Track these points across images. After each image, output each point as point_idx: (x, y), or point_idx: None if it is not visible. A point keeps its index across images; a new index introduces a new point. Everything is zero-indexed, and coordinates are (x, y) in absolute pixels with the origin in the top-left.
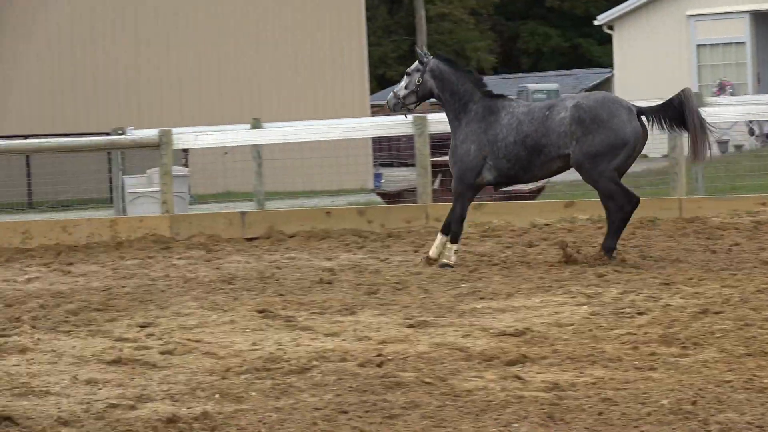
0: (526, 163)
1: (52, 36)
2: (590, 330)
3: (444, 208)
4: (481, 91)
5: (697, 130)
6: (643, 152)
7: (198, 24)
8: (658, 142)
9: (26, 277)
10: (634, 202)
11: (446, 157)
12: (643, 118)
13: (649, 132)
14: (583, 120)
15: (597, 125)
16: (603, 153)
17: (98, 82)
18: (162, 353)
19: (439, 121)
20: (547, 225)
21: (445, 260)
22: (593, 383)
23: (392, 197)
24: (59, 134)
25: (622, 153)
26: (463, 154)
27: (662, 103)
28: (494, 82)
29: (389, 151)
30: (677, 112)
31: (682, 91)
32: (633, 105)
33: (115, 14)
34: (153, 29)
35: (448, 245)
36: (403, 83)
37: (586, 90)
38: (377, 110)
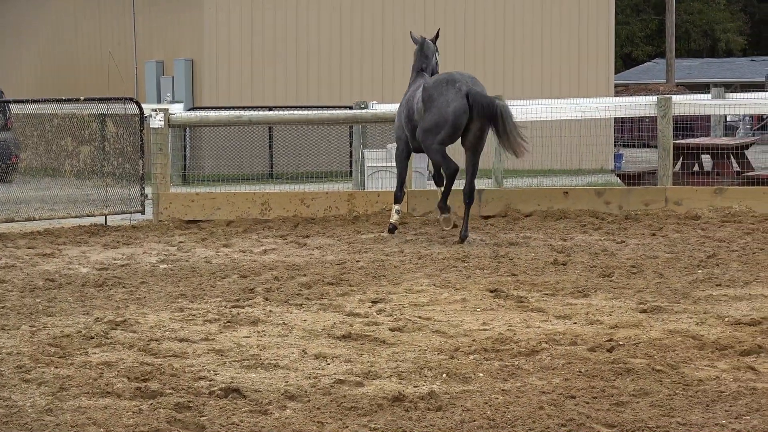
0: (413, 136)
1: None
2: None
3: (684, 192)
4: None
5: (500, 129)
6: None
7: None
8: None
9: (263, 248)
10: (452, 169)
11: (690, 140)
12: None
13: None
14: (425, 100)
15: (430, 104)
16: (430, 129)
17: (344, 54)
18: (392, 330)
19: (683, 103)
20: None
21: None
22: None
23: (632, 179)
24: (301, 106)
25: (444, 129)
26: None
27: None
28: (743, 65)
29: (631, 132)
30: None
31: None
32: (469, 86)
33: None
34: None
35: (395, 207)
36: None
37: None
38: (621, 90)
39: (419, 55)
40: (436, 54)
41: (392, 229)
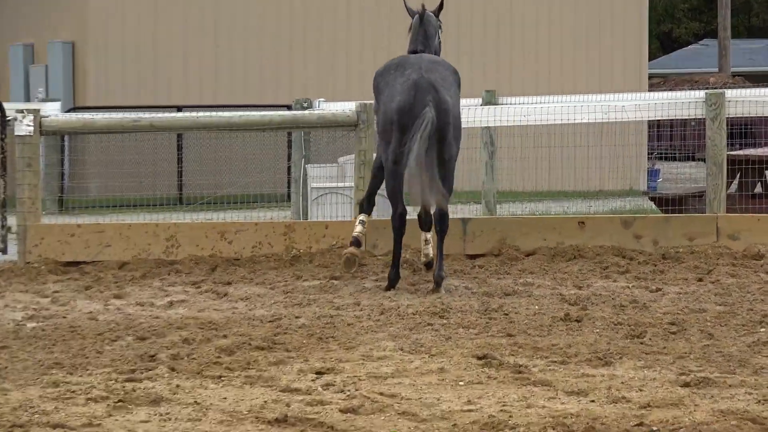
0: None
1: None
2: None
3: (742, 222)
4: None
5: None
6: None
7: None
8: None
9: (168, 299)
10: (396, 212)
11: (750, 151)
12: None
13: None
14: (374, 94)
15: (376, 99)
16: (379, 132)
17: (280, 36)
18: (343, 411)
19: (742, 100)
20: None
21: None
22: None
23: (671, 204)
24: (221, 106)
25: (394, 136)
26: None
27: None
28: None
29: (670, 141)
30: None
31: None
32: (421, 72)
33: None
34: None
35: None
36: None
37: None
38: (658, 82)
39: (417, 32)
40: (440, 32)
41: (356, 242)
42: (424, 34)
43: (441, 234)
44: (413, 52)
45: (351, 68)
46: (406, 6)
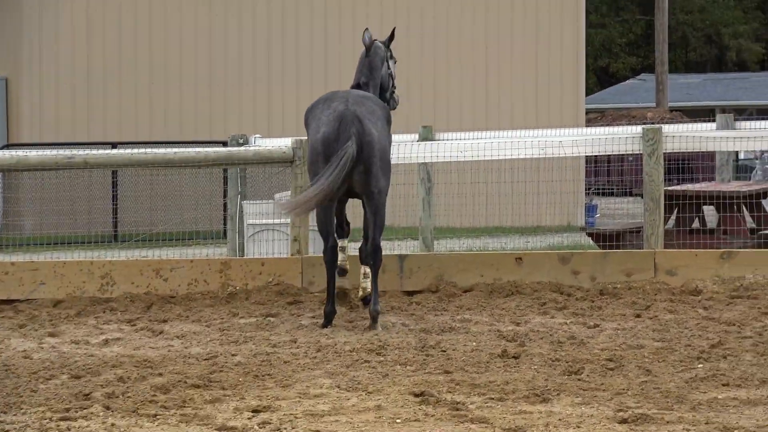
0: None
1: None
2: None
3: (680, 258)
4: None
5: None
6: None
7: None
8: None
9: (103, 337)
10: (327, 246)
11: (688, 186)
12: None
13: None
14: (305, 128)
15: (306, 133)
16: (309, 167)
17: (215, 72)
18: None
19: (679, 135)
20: None
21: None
22: None
23: (609, 239)
24: (156, 143)
25: (320, 165)
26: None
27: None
28: (760, 83)
29: (608, 176)
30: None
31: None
32: (348, 105)
33: None
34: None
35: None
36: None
37: None
38: (595, 117)
39: (362, 64)
40: (389, 62)
41: (342, 272)
42: (369, 66)
43: (374, 268)
44: (356, 84)
45: (287, 104)
46: (363, 38)
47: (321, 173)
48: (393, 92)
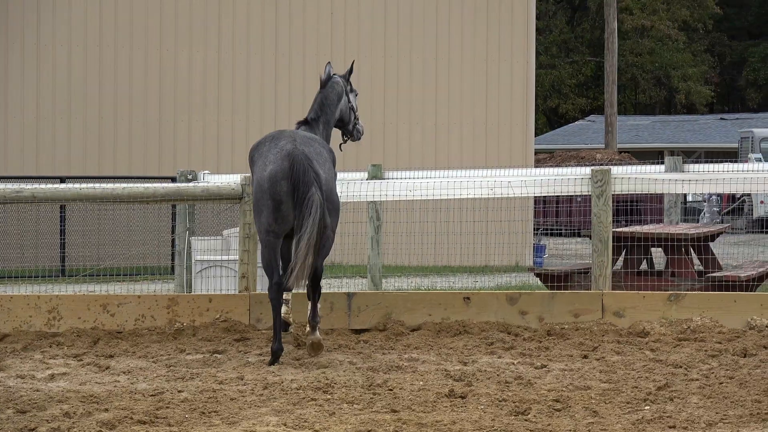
0: None
1: (81, 33)
2: None
3: (627, 299)
4: None
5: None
6: None
7: (296, 31)
8: None
9: (49, 372)
10: (272, 283)
11: (636, 228)
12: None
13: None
14: (250, 166)
15: (251, 170)
16: (254, 204)
17: (158, 106)
18: None
19: (628, 177)
20: None
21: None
22: None
23: (557, 280)
24: (105, 177)
25: (265, 206)
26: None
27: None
28: (709, 125)
29: (556, 217)
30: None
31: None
32: (296, 144)
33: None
34: (231, 33)
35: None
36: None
37: None
38: (545, 158)
39: (315, 99)
40: (350, 96)
41: (284, 326)
42: (321, 101)
43: (314, 291)
44: (304, 120)
45: (236, 140)
46: (323, 72)
47: (297, 235)
48: (356, 124)
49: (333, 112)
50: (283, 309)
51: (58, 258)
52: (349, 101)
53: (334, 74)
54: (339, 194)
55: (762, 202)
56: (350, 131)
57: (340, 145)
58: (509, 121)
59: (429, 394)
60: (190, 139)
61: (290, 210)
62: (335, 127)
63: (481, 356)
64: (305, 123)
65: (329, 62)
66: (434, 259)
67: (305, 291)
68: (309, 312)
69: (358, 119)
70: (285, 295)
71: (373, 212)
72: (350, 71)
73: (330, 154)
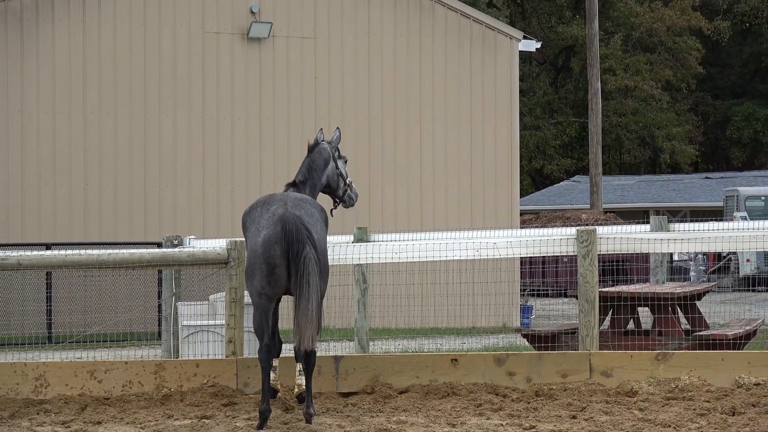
0: None
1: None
2: None
3: (615, 359)
4: None
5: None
6: None
7: (280, 96)
8: None
9: None
10: (261, 345)
11: (622, 288)
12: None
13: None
14: (243, 231)
15: (244, 236)
16: (246, 272)
17: (143, 172)
18: None
19: (613, 237)
20: (758, 385)
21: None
22: None
23: (544, 341)
24: (91, 243)
25: (258, 270)
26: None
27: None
28: (694, 185)
29: (543, 277)
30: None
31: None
32: (287, 208)
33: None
34: (215, 99)
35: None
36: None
37: None
38: (530, 218)
39: (302, 163)
40: (338, 162)
41: (273, 394)
42: (309, 165)
43: (308, 371)
44: (291, 182)
45: (221, 205)
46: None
47: (297, 294)
48: (347, 190)
49: (319, 177)
50: (272, 376)
51: (45, 325)
52: (337, 167)
53: (323, 140)
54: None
55: (748, 260)
56: (340, 197)
57: (331, 210)
58: (494, 182)
59: None
60: (176, 205)
61: (284, 273)
62: (324, 192)
63: (470, 417)
64: (293, 185)
65: (321, 129)
66: (421, 321)
67: (293, 354)
68: (306, 399)
69: (350, 185)
70: (273, 362)
71: (359, 275)
72: (338, 138)
73: (321, 213)
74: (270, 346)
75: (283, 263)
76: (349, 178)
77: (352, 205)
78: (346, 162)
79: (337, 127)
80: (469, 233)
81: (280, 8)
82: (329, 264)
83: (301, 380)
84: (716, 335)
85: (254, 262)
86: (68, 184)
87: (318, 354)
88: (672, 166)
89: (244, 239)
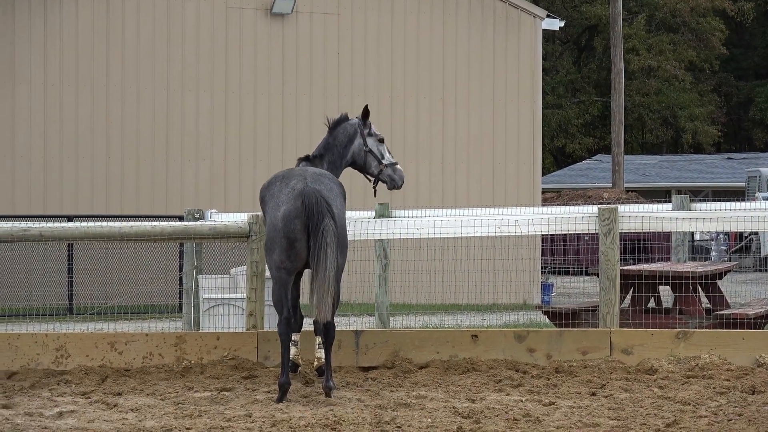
0: None
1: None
2: None
3: (635, 337)
4: None
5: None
6: None
7: (304, 71)
8: None
9: (57, 410)
10: (281, 318)
11: (643, 266)
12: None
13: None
14: (261, 205)
15: (263, 211)
16: (266, 246)
17: (165, 146)
18: None
19: (635, 215)
20: None
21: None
22: None
23: (565, 318)
24: (112, 216)
25: (277, 244)
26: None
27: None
28: (716, 165)
29: (564, 255)
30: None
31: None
32: (307, 182)
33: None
34: (238, 75)
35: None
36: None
37: None
38: (552, 196)
39: (324, 139)
40: (368, 139)
41: (294, 368)
42: (326, 141)
43: (327, 344)
44: (305, 156)
45: (243, 179)
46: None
47: (315, 265)
48: (382, 170)
49: (341, 153)
50: (293, 351)
51: (66, 296)
52: (366, 145)
53: (355, 117)
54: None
55: None
56: (375, 175)
57: (374, 190)
58: (516, 160)
59: None
60: (198, 179)
61: (304, 248)
62: (354, 169)
63: (489, 393)
64: (306, 159)
65: (367, 105)
66: (442, 297)
67: (313, 329)
68: (325, 372)
69: (391, 166)
70: (294, 336)
71: (380, 251)
72: (364, 115)
73: (340, 188)
74: (289, 320)
75: (303, 237)
76: (392, 159)
77: (396, 188)
78: (381, 141)
79: (366, 105)
80: (490, 210)
81: None
82: (349, 239)
83: (321, 354)
84: (737, 314)
85: (274, 236)
86: (91, 158)
87: (339, 328)
88: (694, 146)
89: (263, 214)
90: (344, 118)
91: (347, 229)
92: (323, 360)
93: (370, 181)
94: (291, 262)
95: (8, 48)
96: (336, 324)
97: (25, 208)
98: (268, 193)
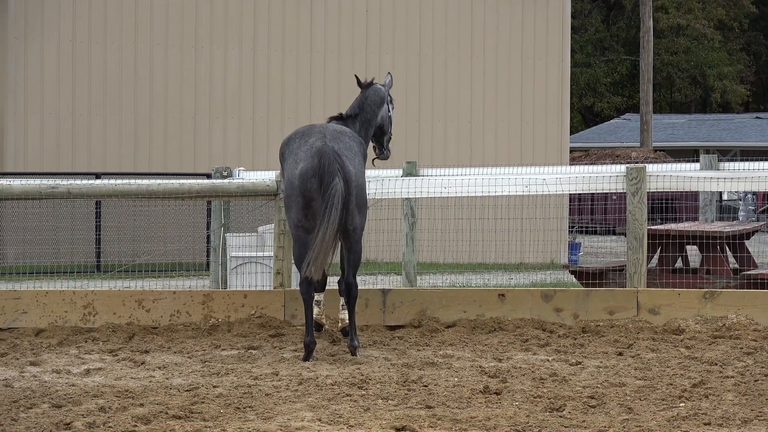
0: None
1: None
2: None
3: (663, 297)
4: None
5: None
6: None
7: (331, 29)
8: None
9: (84, 367)
10: (301, 278)
11: (671, 226)
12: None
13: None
14: (281, 162)
15: (281, 167)
16: (285, 200)
17: (193, 104)
18: None
19: (663, 175)
20: None
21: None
22: None
23: (592, 277)
24: (140, 174)
25: (295, 203)
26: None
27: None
28: (745, 124)
29: (591, 214)
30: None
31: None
32: (325, 140)
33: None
34: (266, 32)
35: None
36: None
37: None
38: (580, 155)
39: (358, 98)
40: (386, 106)
41: (318, 327)
42: (361, 101)
43: (350, 305)
44: (338, 115)
45: (271, 137)
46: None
47: (318, 223)
48: (390, 138)
49: (375, 113)
50: (316, 310)
51: (94, 254)
52: (389, 110)
53: (376, 83)
54: (373, 191)
55: None
56: (384, 145)
57: (373, 160)
58: (544, 119)
59: (464, 391)
60: (226, 137)
61: (320, 206)
62: (373, 135)
63: (516, 353)
64: (339, 118)
65: (389, 73)
66: (469, 256)
67: (337, 287)
68: (350, 332)
69: (391, 135)
70: (318, 296)
71: (407, 209)
72: (390, 82)
73: (360, 146)
74: (310, 279)
75: (319, 197)
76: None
77: (386, 158)
78: (393, 108)
79: (389, 72)
80: (518, 169)
81: None
82: (377, 197)
83: (344, 315)
84: (764, 275)
85: (291, 194)
86: (119, 115)
87: (366, 287)
88: (723, 106)
89: (280, 170)
90: (371, 82)
91: (372, 188)
92: (347, 321)
93: (374, 149)
94: (308, 221)
95: (37, 5)
96: (363, 283)
97: (53, 165)
98: (288, 149)
